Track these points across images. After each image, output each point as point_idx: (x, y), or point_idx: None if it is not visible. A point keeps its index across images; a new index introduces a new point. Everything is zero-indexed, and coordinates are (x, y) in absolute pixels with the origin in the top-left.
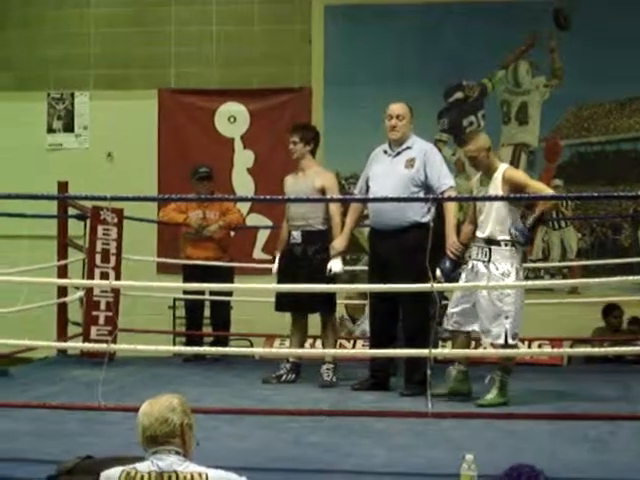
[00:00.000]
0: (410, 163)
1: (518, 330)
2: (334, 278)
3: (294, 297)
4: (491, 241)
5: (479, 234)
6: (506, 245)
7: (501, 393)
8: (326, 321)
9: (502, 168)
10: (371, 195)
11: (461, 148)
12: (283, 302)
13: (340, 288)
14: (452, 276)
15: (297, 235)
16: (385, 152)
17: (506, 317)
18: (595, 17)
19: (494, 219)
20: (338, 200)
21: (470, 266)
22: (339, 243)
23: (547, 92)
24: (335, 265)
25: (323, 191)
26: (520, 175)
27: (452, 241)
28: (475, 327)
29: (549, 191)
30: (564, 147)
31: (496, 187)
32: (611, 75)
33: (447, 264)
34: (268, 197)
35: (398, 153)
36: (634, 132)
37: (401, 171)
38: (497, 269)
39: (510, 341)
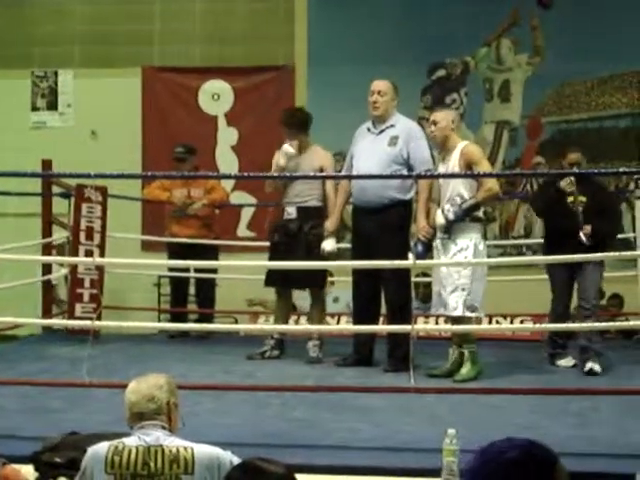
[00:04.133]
0: (393, 141)
1: (477, 303)
2: (327, 257)
3: (285, 273)
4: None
5: (442, 211)
6: (463, 220)
7: (473, 364)
8: (315, 297)
9: (462, 144)
10: (354, 173)
11: (432, 113)
12: (274, 277)
13: (322, 265)
14: (424, 259)
15: (292, 211)
16: (369, 130)
17: (462, 289)
18: None
19: (453, 195)
20: (319, 177)
21: (434, 245)
22: (331, 223)
23: (529, 70)
24: (327, 245)
25: (321, 170)
26: (476, 151)
27: (422, 225)
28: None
29: (494, 181)
30: (546, 124)
31: (454, 162)
32: (593, 53)
33: (419, 248)
34: (252, 174)
35: (382, 131)
36: (616, 109)
37: (384, 149)
38: (456, 244)
39: (467, 313)
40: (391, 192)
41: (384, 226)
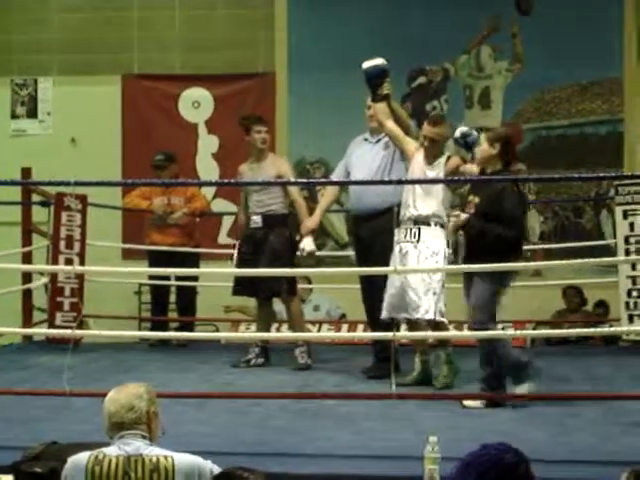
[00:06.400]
0: (387, 144)
1: (443, 308)
2: (307, 258)
3: (252, 281)
4: (421, 221)
5: (407, 214)
6: (435, 225)
7: (450, 367)
8: (289, 305)
9: (446, 154)
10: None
11: (427, 127)
12: (241, 287)
13: (307, 272)
14: None
15: (258, 219)
16: (366, 139)
17: (433, 293)
18: (556, 1)
19: (432, 200)
20: (306, 183)
21: (398, 249)
22: (311, 221)
23: (509, 76)
24: (307, 244)
25: (279, 177)
26: (458, 161)
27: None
28: (406, 314)
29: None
30: (526, 131)
31: (440, 170)
32: (573, 59)
33: None
34: (233, 181)
35: (378, 140)
36: (596, 116)
37: (381, 154)
38: (427, 247)
39: (438, 317)
40: (388, 197)
41: (381, 231)
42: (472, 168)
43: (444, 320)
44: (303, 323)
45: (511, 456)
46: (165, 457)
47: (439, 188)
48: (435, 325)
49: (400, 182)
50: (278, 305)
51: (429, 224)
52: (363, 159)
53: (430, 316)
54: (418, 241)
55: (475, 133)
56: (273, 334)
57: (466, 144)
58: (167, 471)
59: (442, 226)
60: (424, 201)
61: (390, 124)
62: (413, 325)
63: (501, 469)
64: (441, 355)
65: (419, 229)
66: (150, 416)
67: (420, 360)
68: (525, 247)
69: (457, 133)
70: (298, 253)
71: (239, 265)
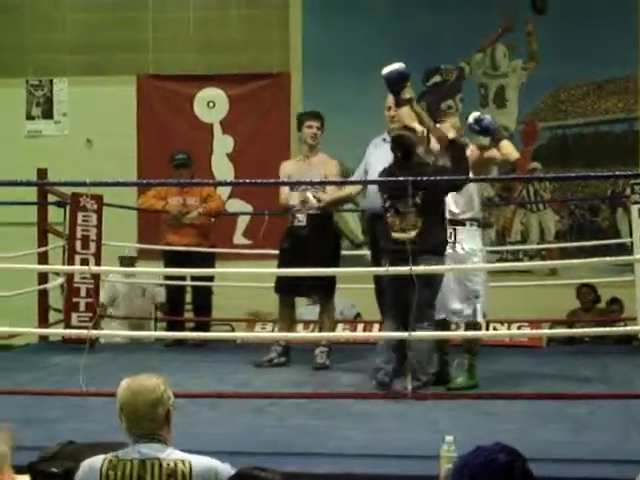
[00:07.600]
0: None
1: (485, 309)
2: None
3: (294, 280)
4: (455, 222)
5: None
6: (471, 225)
7: (470, 376)
8: (325, 305)
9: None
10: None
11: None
12: (283, 285)
13: (320, 272)
14: None
15: (302, 218)
16: (384, 140)
17: (476, 296)
18: (571, 0)
19: (462, 198)
20: (322, 183)
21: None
22: (328, 194)
23: (524, 75)
24: (309, 193)
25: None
26: (476, 150)
27: None
28: (442, 314)
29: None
30: (541, 130)
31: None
32: (588, 57)
33: None
34: (248, 181)
35: None
36: (611, 114)
37: None
38: (463, 249)
39: (480, 320)
40: None
41: None
42: (494, 153)
43: (481, 321)
44: (334, 325)
45: (504, 455)
46: (182, 461)
47: (468, 185)
48: (473, 326)
49: (416, 182)
50: (300, 307)
51: (463, 224)
52: (382, 159)
53: (471, 319)
54: (454, 243)
55: (488, 116)
56: (290, 334)
57: (481, 129)
58: (184, 476)
59: (478, 224)
60: (455, 201)
61: (419, 127)
62: (441, 324)
63: (494, 469)
64: (464, 362)
65: (454, 230)
66: (169, 417)
67: (440, 359)
68: (541, 246)
69: (470, 119)
70: (298, 197)
71: (281, 262)
